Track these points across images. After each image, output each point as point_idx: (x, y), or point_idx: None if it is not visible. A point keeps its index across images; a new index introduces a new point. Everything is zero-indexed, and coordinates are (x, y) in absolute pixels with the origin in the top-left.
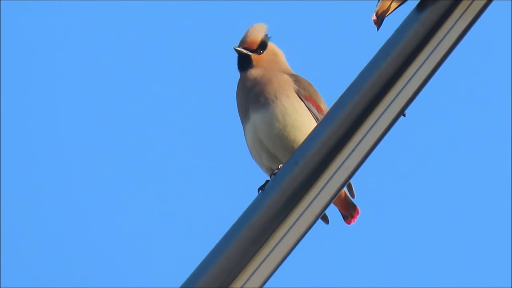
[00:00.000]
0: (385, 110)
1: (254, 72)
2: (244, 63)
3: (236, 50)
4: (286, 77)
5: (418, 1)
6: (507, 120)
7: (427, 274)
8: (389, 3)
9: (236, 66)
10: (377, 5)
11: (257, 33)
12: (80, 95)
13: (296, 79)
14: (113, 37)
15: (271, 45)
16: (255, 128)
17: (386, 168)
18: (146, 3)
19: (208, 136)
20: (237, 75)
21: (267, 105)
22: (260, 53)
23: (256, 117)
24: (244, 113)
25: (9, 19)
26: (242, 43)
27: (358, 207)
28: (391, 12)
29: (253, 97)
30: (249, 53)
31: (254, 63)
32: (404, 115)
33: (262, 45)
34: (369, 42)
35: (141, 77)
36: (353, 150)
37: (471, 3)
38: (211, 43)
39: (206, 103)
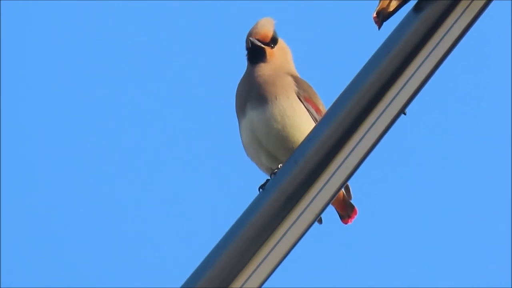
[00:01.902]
0: (385, 109)
1: (264, 68)
2: (257, 55)
3: (252, 42)
4: (289, 78)
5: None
6: (507, 119)
7: (426, 274)
8: (388, 2)
9: (244, 58)
10: (378, 4)
11: (269, 27)
12: (80, 94)
13: (296, 80)
14: (112, 35)
15: (281, 40)
16: (251, 126)
17: (385, 168)
18: (146, 2)
19: (209, 134)
20: (236, 74)
21: (265, 104)
22: (272, 47)
23: (253, 115)
24: (242, 108)
25: (9, 19)
26: (255, 35)
27: (356, 207)
28: (393, 11)
29: (254, 94)
30: (263, 45)
31: (267, 57)
32: (404, 114)
33: (274, 40)
34: (369, 41)
35: (141, 78)
36: (353, 149)
37: (471, 2)
38: (210, 43)
39: (206, 102)
